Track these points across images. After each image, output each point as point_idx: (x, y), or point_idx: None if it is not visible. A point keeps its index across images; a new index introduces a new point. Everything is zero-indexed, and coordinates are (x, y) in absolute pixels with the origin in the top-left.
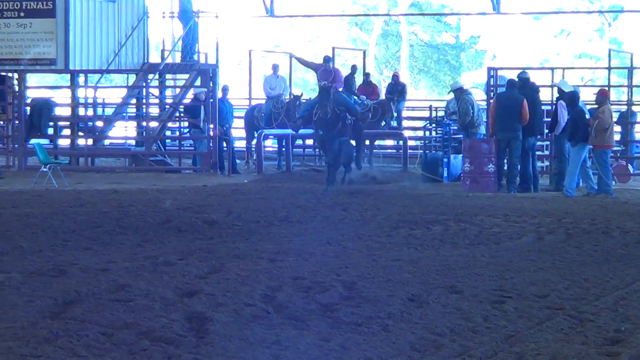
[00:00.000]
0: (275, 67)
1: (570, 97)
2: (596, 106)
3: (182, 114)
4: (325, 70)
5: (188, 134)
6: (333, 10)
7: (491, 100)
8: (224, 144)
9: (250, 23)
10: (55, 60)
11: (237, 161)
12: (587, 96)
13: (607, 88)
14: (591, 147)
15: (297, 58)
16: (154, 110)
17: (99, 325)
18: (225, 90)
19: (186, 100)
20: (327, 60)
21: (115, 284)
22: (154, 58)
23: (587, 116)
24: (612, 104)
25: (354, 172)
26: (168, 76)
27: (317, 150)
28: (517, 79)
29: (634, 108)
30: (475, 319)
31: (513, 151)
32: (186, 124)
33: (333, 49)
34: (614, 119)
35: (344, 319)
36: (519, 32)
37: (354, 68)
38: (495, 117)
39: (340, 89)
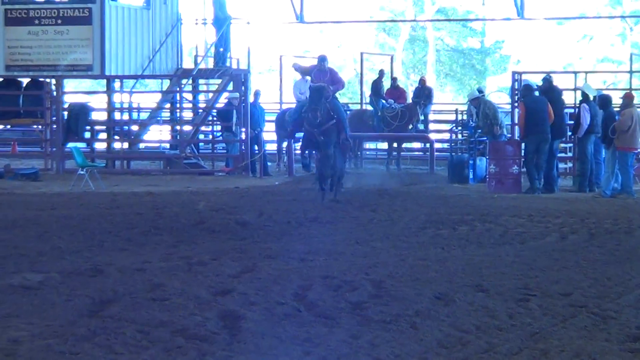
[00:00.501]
0: (298, 75)
1: (602, 100)
2: (621, 108)
3: (215, 118)
4: (319, 70)
5: (221, 137)
6: (361, 17)
7: (516, 104)
8: (256, 147)
9: (280, 29)
10: (91, 66)
11: (269, 164)
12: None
13: (630, 92)
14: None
15: (294, 66)
16: (188, 115)
17: (135, 323)
18: (257, 94)
19: (219, 105)
20: (322, 59)
21: (151, 283)
22: (188, 64)
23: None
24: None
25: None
26: (201, 81)
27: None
28: (542, 83)
29: None
30: (500, 317)
31: (542, 154)
32: (219, 127)
33: (361, 54)
34: (635, 122)
35: (372, 316)
36: (542, 37)
37: (381, 73)
38: (526, 121)
39: (336, 92)
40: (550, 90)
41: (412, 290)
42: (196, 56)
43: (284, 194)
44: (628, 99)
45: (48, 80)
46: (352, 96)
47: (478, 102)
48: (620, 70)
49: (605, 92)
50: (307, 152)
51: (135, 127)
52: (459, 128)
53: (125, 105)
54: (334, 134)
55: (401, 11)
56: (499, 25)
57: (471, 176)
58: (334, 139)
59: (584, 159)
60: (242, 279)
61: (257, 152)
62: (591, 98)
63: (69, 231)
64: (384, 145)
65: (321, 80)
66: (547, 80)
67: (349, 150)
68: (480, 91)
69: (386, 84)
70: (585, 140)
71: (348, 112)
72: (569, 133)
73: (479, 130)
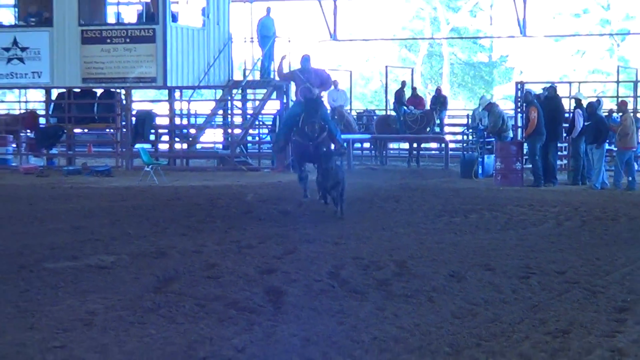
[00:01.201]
0: (335, 83)
1: (589, 107)
2: (619, 114)
3: (261, 122)
4: (302, 71)
5: (267, 138)
6: (386, 35)
7: (519, 110)
8: None
9: (316, 46)
10: (155, 78)
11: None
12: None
13: (626, 99)
14: (612, 147)
15: (277, 70)
16: (237, 120)
17: (193, 298)
18: (335, 96)
19: (265, 111)
20: (305, 59)
21: (207, 263)
22: (237, 76)
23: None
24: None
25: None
26: (249, 91)
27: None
28: (546, 91)
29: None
30: (505, 291)
31: (550, 153)
32: (265, 130)
33: (386, 67)
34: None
35: (395, 291)
36: (542, 52)
37: (403, 83)
38: (542, 124)
39: (324, 94)
40: (554, 98)
41: (430, 269)
42: (244, 69)
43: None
44: (624, 105)
45: (118, 90)
46: (378, 103)
47: (491, 107)
48: (609, 81)
49: (594, 99)
50: (302, 167)
51: (193, 131)
52: (470, 130)
53: (185, 112)
54: (329, 144)
55: (420, 30)
56: (504, 42)
57: (480, 172)
58: (332, 150)
59: (577, 157)
60: (284, 259)
61: None
62: (584, 104)
63: (136, 219)
64: (406, 146)
65: (309, 82)
66: (553, 89)
67: (344, 155)
68: (484, 100)
69: (407, 92)
70: (578, 140)
71: (374, 118)
72: (565, 135)
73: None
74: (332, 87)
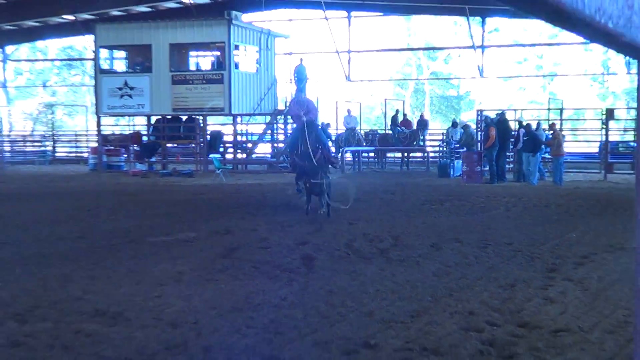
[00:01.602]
0: (349, 111)
1: (527, 127)
2: (551, 132)
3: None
4: (297, 101)
5: None
6: (385, 77)
7: (480, 130)
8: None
9: (336, 85)
10: (223, 108)
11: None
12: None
13: (554, 122)
14: (547, 155)
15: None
16: (280, 137)
17: (251, 262)
18: (327, 125)
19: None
20: (299, 90)
21: (260, 237)
22: (280, 106)
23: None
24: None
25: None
26: (288, 117)
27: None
28: (498, 116)
29: (564, 133)
30: (469, 257)
31: (501, 159)
32: None
33: (385, 100)
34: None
35: (392, 257)
36: (495, 88)
37: (397, 111)
38: (497, 139)
39: (317, 122)
40: (504, 121)
41: (416, 241)
42: (285, 101)
43: (339, 184)
44: (554, 126)
45: (198, 117)
46: (380, 125)
47: (467, 128)
48: (542, 108)
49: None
50: (300, 182)
51: (249, 145)
52: (444, 144)
53: (244, 132)
54: (323, 162)
55: (409, 73)
56: (468, 81)
57: (452, 173)
58: (325, 168)
59: (520, 162)
60: (314, 235)
61: None
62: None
63: (210, 207)
64: (399, 155)
65: (300, 110)
66: (503, 115)
67: (336, 163)
68: (455, 123)
69: (400, 117)
70: (521, 151)
71: (377, 135)
72: (512, 147)
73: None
74: (347, 112)
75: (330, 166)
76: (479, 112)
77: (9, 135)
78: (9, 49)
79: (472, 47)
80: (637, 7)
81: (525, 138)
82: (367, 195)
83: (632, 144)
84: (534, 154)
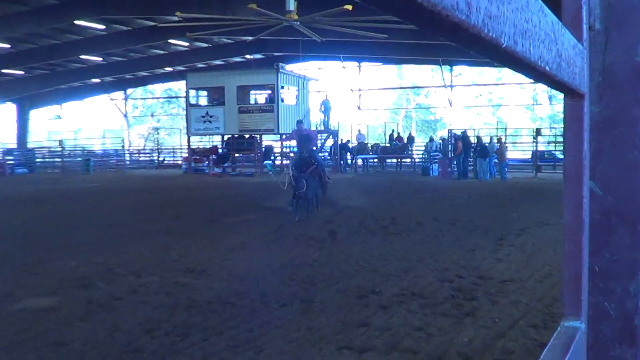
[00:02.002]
0: (359, 130)
1: (479, 140)
2: (498, 144)
3: (325, 150)
4: (298, 131)
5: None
6: (384, 106)
7: (452, 142)
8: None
9: (350, 112)
10: (273, 129)
11: (347, 168)
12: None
13: (500, 137)
14: (496, 160)
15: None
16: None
17: (292, 235)
18: (348, 141)
19: (326, 145)
20: (299, 122)
21: (299, 218)
22: (313, 127)
23: (493, 148)
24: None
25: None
26: (318, 135)
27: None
28: (462, 134)
29: (507, 145)
30: (443, 231)
31: (464, 163)
32: (326, 153)
33: (385, 123)
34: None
35: (390, 231)
36: (460, 114)
37: (393, 130)
38: (462, 149)
39: (314, 148)
40: (466, 137)
41: (407, 220)
42: (317, 124)
43: (353, 180)
44: (500, 140)
45: (256, 135)
46: (381, 140)
47: (443, 141)
48: (492, 128)
49: (486, 138)
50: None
51: (292, 155)
52: (425, 152)
53: (287, 145)
54: (315, 175)
55: (401, 104)
56: (441, 109)
57: (431, 173)
58: (315, 180)
59: (477, 165)
60: (337, 215)
61: (342, 162)
62: (484, 140)
63: (264, 197)
64: (394, 160)
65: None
66: (465, 132)
67: (326, 185)
68: (431, 139)
69: (395, 134)
70: (476, 157)
71: (379, 147)
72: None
73: (440, 153)
74: (358, 131)
75: (322, 180)
76: (449, 131)
77: (129, 149)
78: (129, 91)
79: (444, 86)
80: (564, 56)
81: (478, 148)
82: (373, 188)
83: (553, 152)
84: (484, 159)
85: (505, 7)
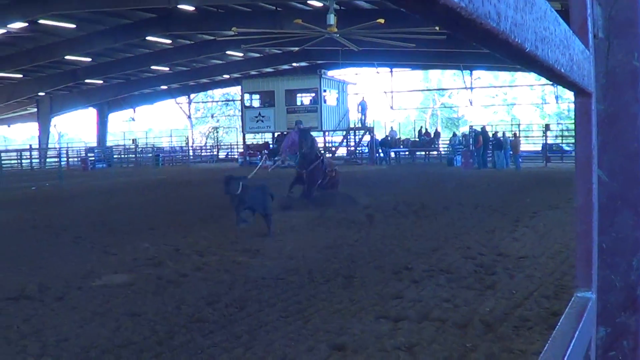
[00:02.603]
0: (392, 127)
1: (495, 135)
2: (513, 138)
3: (362, 145)
4: (291, 136)
5: (366, 150)
6: (414, 106)
7: (472, 136)
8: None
9: (384, 112)
10: (317, 127)
11: (384, 162)
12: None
13: (515, 132)
14: (511, 152)
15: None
16: (352, 143)
17: (335, 219)
18: (394, 132)
19: (363, 141)
20: (298, 122)
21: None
22: (351, 125)
23: (507, 142)
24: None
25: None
26: (357, 132)
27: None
28: (481, 129)
29: (520, 139)
30: (466, 214)
31: (484, 155)
32: (365, 149)
33: (414, 120)
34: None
35: (420, 215)
36: (479, 112)
37: (421, 127)
38: (483, 142)
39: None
40: (485, 132)
41: (435, 205)
42: (355, 122)
43: (385, 171)
44: (515, 134)
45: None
46: (411, 135)
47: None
48: (507, 124)
49: (501, 132)
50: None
51: (333, 149)
52: (450, 146)
53: (329, 140)
54: (318, 172)
55: (427, 103)
56: (463, 108)
57: (455, 164)
58: (317, 178)
59: (494, 156)
60: (373, 202)
61: (377, 155)
62: (499, 135)
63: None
64: (423, 153)
65: (291, 145)
66: (484, 128)
67: (336, 180)
68: (454, 134)
69: (423, 130)
70: (493, 149)
71: (410, 141)
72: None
73: (463, 146)
74: (391, 128)
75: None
76: (470, 127)
77: (192, 146)
78: (192, 95)
79: (465, 88)
80: (575, 60)
81: (495, 142)
82: (404, 178)
83: (560, 145)
84: (500, 151)
85: (527, 17)
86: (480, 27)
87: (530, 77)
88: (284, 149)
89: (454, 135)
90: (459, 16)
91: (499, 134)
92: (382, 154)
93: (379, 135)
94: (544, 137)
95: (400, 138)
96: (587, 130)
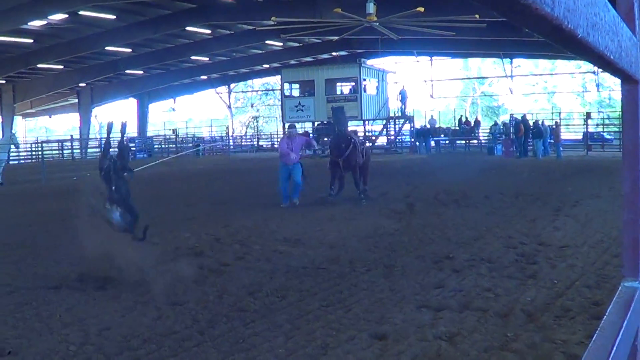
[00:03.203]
0: (432, 116)
1: (535, 123)
2: (554, 126)
3: (402, 134)
4: (288, 137)
5: (407, 139)
6: (454, 95)
7: (512, 126)
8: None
9: (424, 100)
10: (357, 116)
11: (425, 150)
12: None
13: (557, 121)
14: (551, 140)
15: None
16: (392, 132)
17: (376, 207)
18: (434, 120)
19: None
20: (291, 127)
21: (380, 191)
22: (391, 114)
23: (546, 130)
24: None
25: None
26: (397, 120)
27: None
28: (522, 118)
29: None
30: (507, 203)
31: (525, 143)
32: (406, 138)
33: (454, 109)
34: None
35: (461, 204)
36: (519, 101)
37: (461, 115)
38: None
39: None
40: (526, 120)
41: (476, 194)
42: (395, 111)
43: (426, 160)
44: (556, 123)
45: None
46: (451, 124)
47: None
48: (548, 112)
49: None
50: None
51: (373, 138)
52: (490, 134)
53: (369, 130)
54: (355, 157)
55: (467, 92)
56: (503, 97)
57: (495, 152)
58: (355, 162)
59: (534, 145)
60: (414, 191)
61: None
62: (540, 123)
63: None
64: (463, 142)
65: (289, 146)
66: (524, 116)
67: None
68: (496, 123)
69: (464, 119)
70: (533, 138)
71: (450, 130)
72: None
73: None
74: (431, 116)
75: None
76: (511, 116)
77: (232, 136)
78: (232, 85)
79: (505, 76)
80: (623, 47)
81: (534, 130)
82: (445, 166)
83: (601, 133)
84: (538, 140)
85: (579, 2)
86: (535, 13)
87: (571, 65)
88: (282, 154)
89: (495, 124)
90: (514, 2)
91: (539, 123)
92: (423, 143)
93: (419, 124)
94: (585, 126)
95: (440, 127)
96: (634, 118)
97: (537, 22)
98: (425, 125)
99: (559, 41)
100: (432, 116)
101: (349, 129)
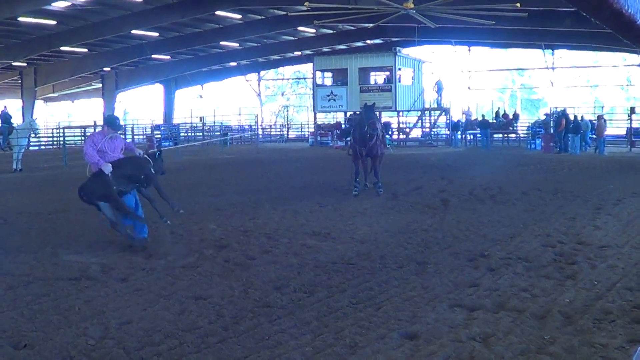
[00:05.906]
0: (468, 108)
1: (575, 119)
2: (597, 121)
3: (437, 126)
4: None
5: (442, 132)
6: (492, 86)
7: (552, 120)
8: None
9: (461, 92)
10: (391, 107)
11: (460, 143)
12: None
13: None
14: (594, 135)
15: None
16: (427, 125)
17: (409, 202)
18: (469, 113)
19: (439, 122)
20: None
21: (415, 185)
22: (427, 105)
23: (587, 125)
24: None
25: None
26: (432, 112)
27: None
28: (562, 112)
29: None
30: (546, 200)
31: (565, 138)
32: (441, 131)
33: (492, 101)
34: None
35: (498, 200)
36: (560, 93)
37: (499, 108)
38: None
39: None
40: (566, 115)
41: (513, 189)
42: (430, 103)
43: (462, 154)
44: (600, 117)
45: (376, 112)
46: (489, 117)
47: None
48: (590, 106)
49: (587, 115)
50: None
51: (407, 130)
52: (529, 129)
53: (404, 121)
54: (378, 146)
55: (506, 84)
56: (544, 89)
57: (534, 147)
58: (379, 152)
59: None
60: (448, 185)
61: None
62: (579, 118)
63: (385, 168)
64: (500, 136)
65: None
66: (564, 110)
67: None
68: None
69: (501, 112)
70: (570, 133)
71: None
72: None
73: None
74: (468, 108)
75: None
76: (551, 109)
77: (261, 125)
78: (262, 72)
79: (546, 68)
80: None
81: (573, 125)
82: (481, 161)
83: None
84: (576, 135)
85: None
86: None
87: (615, 57)
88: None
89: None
90: None
91: (579, 117)
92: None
93: (456, 117)
94: (629, 121)
95: (476, 119)
96: None
97: (610, 16)
98: (458, 121)
99: (633, 39)
100: (468, 108)
101: (383, 120)
